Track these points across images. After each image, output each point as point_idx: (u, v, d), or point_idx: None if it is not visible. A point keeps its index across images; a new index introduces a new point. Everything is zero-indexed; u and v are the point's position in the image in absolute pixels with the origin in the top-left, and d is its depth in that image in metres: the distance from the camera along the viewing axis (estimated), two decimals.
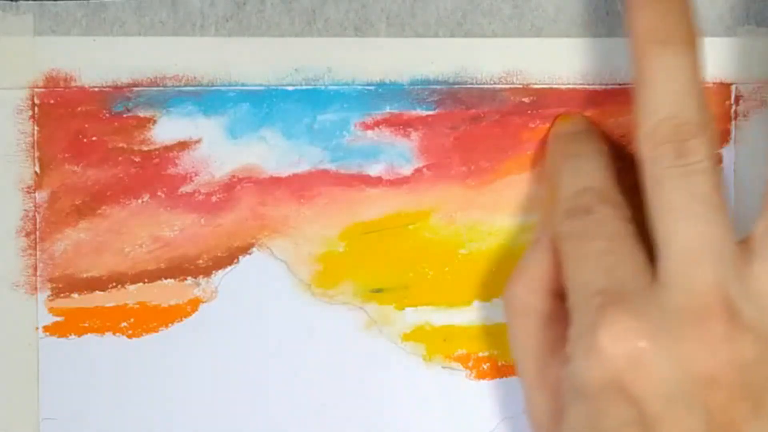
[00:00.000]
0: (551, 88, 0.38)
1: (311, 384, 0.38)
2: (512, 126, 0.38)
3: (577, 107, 0.38)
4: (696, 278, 0.33)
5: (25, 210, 0.38)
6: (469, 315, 0.39)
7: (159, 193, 0.38)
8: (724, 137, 0.39)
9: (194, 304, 0.38)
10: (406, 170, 0.38)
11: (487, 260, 0.39)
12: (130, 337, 0.38)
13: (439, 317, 0.39)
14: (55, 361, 0.38)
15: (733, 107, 0.39)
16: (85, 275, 0.38)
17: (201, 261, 0.38)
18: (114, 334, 0.38)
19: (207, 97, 0.38)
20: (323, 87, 0.38)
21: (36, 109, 0.38)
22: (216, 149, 0.38)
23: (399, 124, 0.38)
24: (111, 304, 0.38)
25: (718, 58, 0.38)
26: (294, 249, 0.38)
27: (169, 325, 0.38)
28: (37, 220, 0.38)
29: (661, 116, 0.34)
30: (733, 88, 0.39)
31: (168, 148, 0.38)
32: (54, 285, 0.38)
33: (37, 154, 0.38)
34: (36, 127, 0.38)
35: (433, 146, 0.38)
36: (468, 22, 0.38)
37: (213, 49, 0.38)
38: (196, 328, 0.38)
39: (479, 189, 0.39)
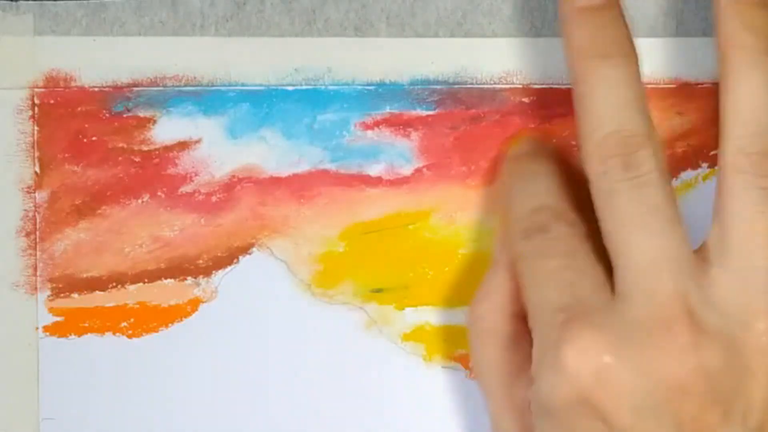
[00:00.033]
0: (551, 88, 0.38)
1: (311, 384, 0.38)
2: (512, 126, 0.38)
3: None
4: (656, 289, 0.33)
5: (25, 210, 0.38)
6: None
7: (159, 193, 0.38)
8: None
9: (194, 304, 0.38)
10: (406, 170, 0.38)
11: (487, 260, 0.39)
12: (130, 337, 0.38)
13: (439, 317, 0.39)
14: (55, 361, 0.38)
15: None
16: (85, 275, 0.38)
17: (201, 261, 0.38)
18: (114, 334, 0.38)
19: (207, 97, 0.38)
20: (323, 87, 0.38)
21: (36, 109, 0.38)
22: (216, 149, 0.38)
23: (399, 124, 0.38)
24: (111, 304, 0.38)
25: (715, 58, 0.38)
26: (294, 249, 0.38)
27: (169, 325, 0.38)
28: (37, 220, 0.38)
29: (606, 130, 0.33)
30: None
31: (168, 148, 0.38)
32: (54, 285, 0.38)
33: (37, 154, 0.38)
34: (36, 127, 0.38)
35: (433, 146, 0.38)
36: (468, 22, 0.38)
37: (213, 49, 0.38)
38: (196, 328, 0.38)
39: (479, 189, 0.39)
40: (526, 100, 0.38)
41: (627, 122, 0.33)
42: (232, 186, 0.38)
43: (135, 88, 0.38)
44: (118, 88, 0.38)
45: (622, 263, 0.33)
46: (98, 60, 0.38)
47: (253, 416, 0.38)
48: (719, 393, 0.32)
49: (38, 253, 0.38)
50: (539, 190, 0.36)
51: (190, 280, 0.38)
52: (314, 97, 0.38)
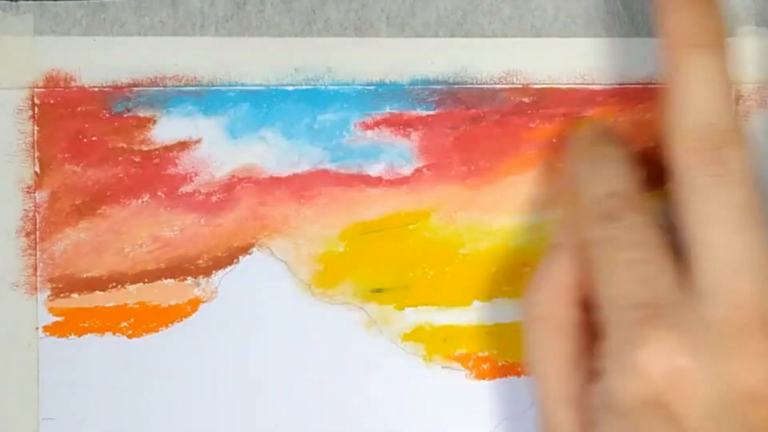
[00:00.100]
0: (551, 88, 0.38)
1: (311, 384, 0.38)
2: (512, 126, 0.38)
3: (577, 107, 0.38)
4: (736, 292, 0.32)
5: (25, 210, 0.38)
6: (469, 315, 0.39)
7: (159, 193, 0.38)
8: None
9: (194, 304, 0.38)
10: (406, 170, 0.38)
11: (487, 260, 0.39)
12: (130, 337, 0.38)
13: (439, 317, 0.39)
14: (55, 361, 0.38)
15: (734, 107, 0.39)
16: (85, 275, 0.38)
17: (201, 261, 0.38)
18: (114, 334, 0.38)
19: (207, 97, 0.38)
20: (323, 87, 0.38)
21: (36, 109, 0.38)
22: (216, 149, 0.38)
23: (399, 124, 0.38)
24: (111, 304, 0.38)
25: None
26: (294, 249, 0.38)
27: (169, 325, 0.38)
28: (37, 220, 0.38)
29: (698, 122, 0.33)
30: (733, 88, 0.38)
31: (168, 148, 0.38)
32: (54, 285, 0.38)
33: (37, 154, 0.38)
34: (36, 127, 0.38)
35: (433, 146, 0.38)
36: (468, 22, 0.38)
37: (213, 49, 0.38)
38: (196, 328, 0.38)
39: (479, 189, 0.39)
40: (526, 100, 0.38)
41: (719, 116, 0.33)
42: (232, 186, 0.38)
43: (135, 88, 0.38)
44: (118, 88, 0.38)
45: (704, 261, 0.33)
46: (98, 60, 0.38)
47: (253, 416, 0.38)
48: None
49: (38, 253, 0.38)
50: (612, 175, 0.35)
51: (190, 280, 0.38)
52: (314, 97, 0.38)
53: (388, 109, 0.38)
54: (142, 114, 0.38)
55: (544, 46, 0.38)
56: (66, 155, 0.38)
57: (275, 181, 0.38)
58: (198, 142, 0.38)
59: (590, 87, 0.38)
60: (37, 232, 0.38)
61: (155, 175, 0.38)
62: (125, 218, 0.38)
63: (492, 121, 0.38)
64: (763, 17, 0.38)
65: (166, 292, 0.38)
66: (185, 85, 0.38)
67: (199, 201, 0.38)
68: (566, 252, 0.35)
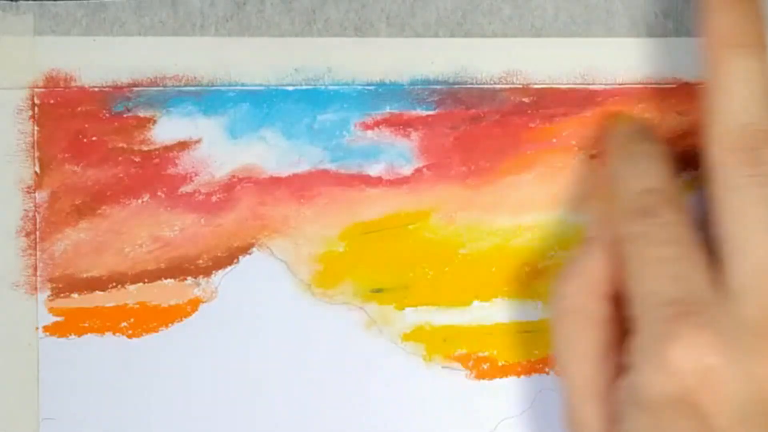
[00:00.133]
0: (551, 88, 0.38)
1: (311, 384, 0.38)
2: (512, 126, 0.38)
3: (577, 107, 0.38)
4: None
5: (25, 210, 0.38)
6: (469, 315, 0.39)
7: (159, 193, 0.38)
8: None
9: (194, 304, 0.38)
10: (406, 170, 0.38)
11: (487, 260, 0.39)
12: (130, 337, 0.38)
13: (439, 317, 0.39)
14: (55, 361, 0.38)
15: None
16: (85, 275, 0.38)
17: (201, 261, 0.38)
18: (114, 334, 0.38)
19: (207, 97, 0.38)
20: (323, 87, 0.38)
21: (36, 109, 0.38)
22: (216, 149, 0.38)
23: (399, 124, 0.38)
24: (111, 304, 0.38)
25: None
26: (294, 249, 0.38)
27: (169, 325, 0.38)
28: (37, 220, 0.38)
29: (737, 121, 0.33)
30: None
31: (168, 148, 0.38)
32: (54, 285, 0.38)
33: (37, 154, 0.38)
34: (36, 127, 0.38)
35: (433, 146, 0.38)
36: (468, 22, 0.38)
37: (213, 49, 0.38)
38: (196, 328, 0.38)
39: (479, 189, 0.39)
40: (526, 100, 0.38)
41: (757, 117, 0.33)
42: (232, 186, 0.38)
43: (135, 88, 0.38)
44: (118, 88, 0.38)
45: (737, 260, 0.33)
46: (98, 60, 0.38)
47: (253, 416, 0.38)
48: None
49: (38, 253, 0.38)
50: (649, 172, 0.35)
51: (190, 280, 0.38)
52: (314, 97, 0.38)
53: (388, 109, 0.38)
54: (142, 114, 0.38)
55: (544, 46, 0.38)
56: (66, 155, 0.38)
57: (275, 181, 0.38)
58: (198, 142, 0.38)
59: (590, 87, 0.38)
60: (37, 232, 0.38)
61: (155, 175, 0.38)
62: (125, 218, 0.38)
63: (492, 121, 0.38)
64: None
65: (166, 292, 0.38)
66: (185, 85, 0.38)
67: (199, 201, 0.38)
68: (599, 246, 0.35)
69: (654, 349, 0.32)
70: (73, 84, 0.38)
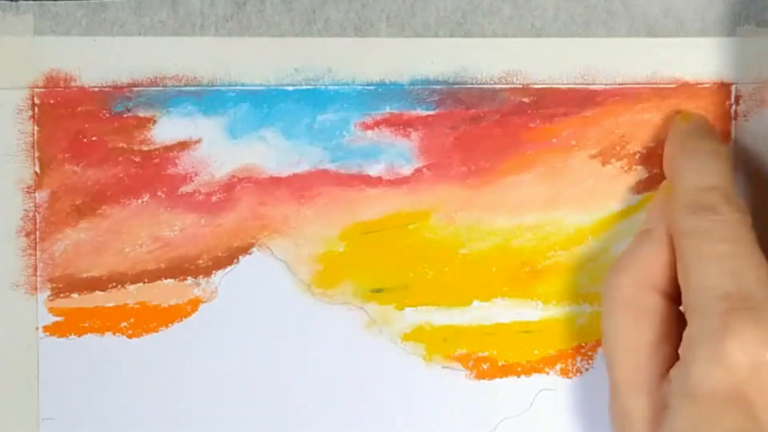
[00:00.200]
0: (551, 88, 0.38)
1: (311, 384, 0.38)
2: (512, 126, 0.38)
3: (576, 107, 0.38)
4: None
5: (25, 210, 0.38)
6: (469, 315, 0.39)
7: (159, 193, 0.38)
8: (725, 137, 0.39)
9: (194, 304, 0.38)
10: (406, 170, 0.38)
11: (487, 260, 0.39)
12: (130, 337, 0.38)
13: (439, 317, 0.39)
14: (55, 361, 0.38)
15: (733, 107, 0.39)
16: (85, 275, 0.38)
17: (201, 261, 0.38)
18: (114, 334, 0.38)
19: (207, 97, 0.38)
20: (323, 87, 0.38)
21: (36, 109, 0.38)
22: (216, 149, 0.38)
23: (399, 124, 0.38)
24: (111, 304, 0.38)
25: (718, 58, 0.38)
26: (294, 249, 0.38)
27: (169, 325, 0.38)
28: (37, 220, 0.38)
29: None
30: (733, 88, 0.39)
31: (168, 148, 0.38)
32: (54, 285, 0.38)
33: (37, 154, 0.38)
34: (36, 127, 0.38)
35: (433, 146, 0.38)
36: (468, 22, 0.38)
37: (213, 49, 0.38)
38: (196, 328, 0.38)
39: (479, 189, 0.39)
40: (526, 100, 0.38)
41: None
42: (232, 186, 0.38)
43: (135, 88, 0.38)
44: (118, 88, 0.38)
45: None
46: (98, 60, 0.38)
47: (253, 416, 0.38)
48: None
49: (38, 253, 0.38)
50: (711, 170, 0.36)
51: (190, 280, 0.38)
52: (314, 97, 0.38)
53: (388, 109, 0.38)
54: (142, 114, 0.38)
55: (544, 46, 0.38)
56: (66, 155, 0.38)
57: (275, 181, 0.38)
58: (198, 142, 0.38)
59: (590, 87, 0.38)
60: (37, 232, 0.38)
61: (155, 175, 0.38)
62: (125, 218, 0.38)
63: (492, 121, 0.38)
64: (763, 17, 0.38)
65: (166, 292, 0.38)
66: (185, 85, 0.38)
67: (199, 201, 0.38)
68: (655, 239, 0.36)
69: (709, 342, 0.32)
70: (73, 84, 0.38)
